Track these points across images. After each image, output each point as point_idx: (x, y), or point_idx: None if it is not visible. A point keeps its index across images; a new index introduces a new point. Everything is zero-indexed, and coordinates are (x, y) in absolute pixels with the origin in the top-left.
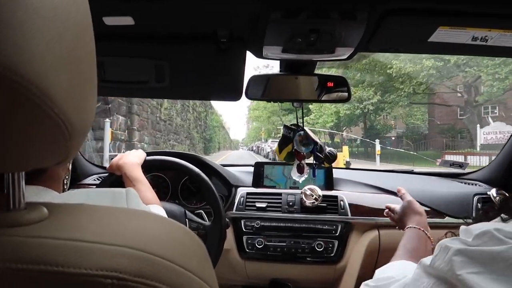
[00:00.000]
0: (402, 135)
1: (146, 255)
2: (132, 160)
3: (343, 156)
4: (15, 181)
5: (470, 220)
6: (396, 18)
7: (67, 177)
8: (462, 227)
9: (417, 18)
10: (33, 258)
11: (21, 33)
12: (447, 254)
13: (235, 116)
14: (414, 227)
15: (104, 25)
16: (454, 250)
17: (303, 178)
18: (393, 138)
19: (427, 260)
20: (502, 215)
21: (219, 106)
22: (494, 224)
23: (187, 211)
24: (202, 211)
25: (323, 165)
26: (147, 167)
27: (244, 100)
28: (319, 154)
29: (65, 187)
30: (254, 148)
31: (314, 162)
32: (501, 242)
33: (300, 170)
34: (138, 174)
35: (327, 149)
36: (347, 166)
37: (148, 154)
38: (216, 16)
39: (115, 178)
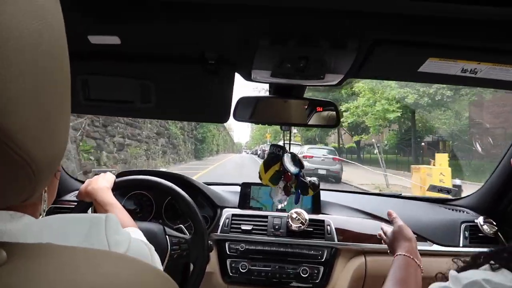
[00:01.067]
0: (437, 141)
1: None
2: (101, 184)
3: (440, 174)
4: None
5: (459, 249)
6: (386, 48)
7: (44, 205)
8: (452, 272)
9: (407, 49)
10: None
11: None
12: None
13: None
14: (404, 255)
15: (89, 43)
16: None
17: (284, 204)
18: (422, 144)
19: None
20: (491, 262)
21: None
22: (484, 274)
23: (166, 228)
24: (182, 226)
25: (307, 193)
26: (118, 188)
27: None
28: (303, 179)
29: (42, 213)
30: (259, 152)
31: (299, 189)
32: None
33: (287, 192)
34: (109, 198)
35: (308, 179)
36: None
37: (119, 175)
38: (204, 39)
39: (86, 206)
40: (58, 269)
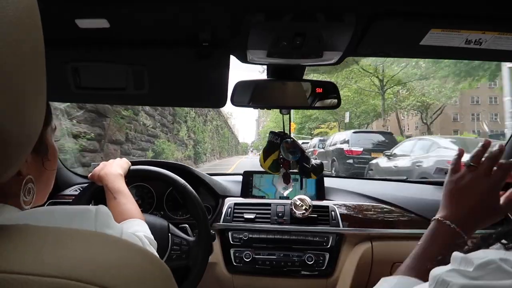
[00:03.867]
0: None
1: (87, 286)
2: (115, 171)
3: None
4: None
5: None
6: (385, 21)
7: (26, 195)
8: (457, 254)
9: (408, 21)
10: None
11: None
12: None
13: (244, 117)
14: (439, 220)
15: (78, 29)
16: (456, 285)
17: (288, 191)
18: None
19: None
20: (503, 241)
21: None
22: (499, 253)
23: (170, 225)
24: (187, 226)
25: (309, 177)
26: (131, 177)
27: None
28: (305, 164)
29: (27, 206)
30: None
31: (300, 174)
32: (509, 275)
33: (287, 180)
34: (120, 185)
35: (313, 160)
36: None
37: (133, 163)
38: (196, 19)
39: (97, 187)
40: (31, 248)
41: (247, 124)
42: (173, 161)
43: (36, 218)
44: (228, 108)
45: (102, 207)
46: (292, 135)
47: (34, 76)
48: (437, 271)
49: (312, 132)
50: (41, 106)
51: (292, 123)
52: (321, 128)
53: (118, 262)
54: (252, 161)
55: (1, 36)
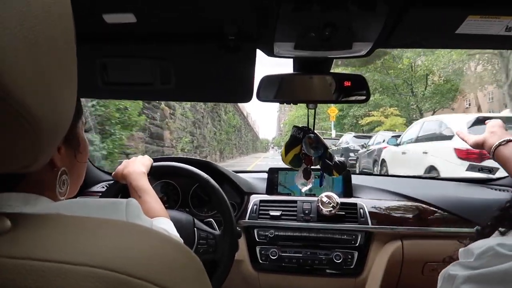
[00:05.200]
0: None
1: (122, 277)
2: (138, 169)
3: None
4: None
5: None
6: (419, 8)
7: (61, 187)
8: (461, 249)
9: (444, 8)
10: None
11: None
12: (453, 284)
13: (264, 113)
14: None
15: (105, 24)
16: (461, 278)
17: (307, 187)
18: None
19: None
20: (500, 228)
21: None
22: (495, 240)
23: (195, 220)
24: (212, 220)
25: (332, 175)
26: (154, 174)
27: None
28: (328, 161)
29: (61, 197)
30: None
31: (322, 171)
32: (507, 258)
33: (307, 176)
34: (144, 184)
35: (336, 158)
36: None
37: (155, 160)
38: (222, 11)
39: (121, 186)
40: (65, 237)
41: (268, 118)
42: (196, 158)
43: (69, 208)
44: (255, 121)
45: (132, 199)
46: (332, 125)
47: (65, 62)
48: (443, 270)
49: (358, 122)
50: (72, 95)
51: (332, 108)
52: (373, 116)
53: (151, 252)
54: (274, 163)
55: (33, 17)
